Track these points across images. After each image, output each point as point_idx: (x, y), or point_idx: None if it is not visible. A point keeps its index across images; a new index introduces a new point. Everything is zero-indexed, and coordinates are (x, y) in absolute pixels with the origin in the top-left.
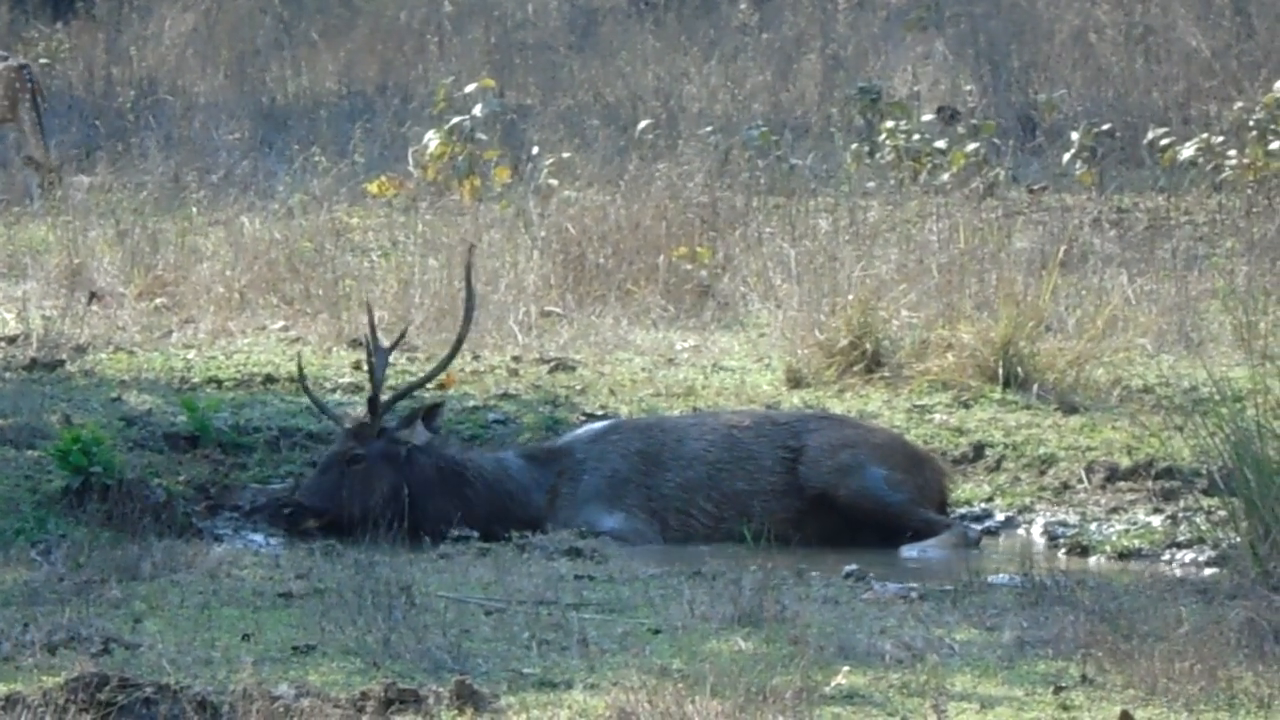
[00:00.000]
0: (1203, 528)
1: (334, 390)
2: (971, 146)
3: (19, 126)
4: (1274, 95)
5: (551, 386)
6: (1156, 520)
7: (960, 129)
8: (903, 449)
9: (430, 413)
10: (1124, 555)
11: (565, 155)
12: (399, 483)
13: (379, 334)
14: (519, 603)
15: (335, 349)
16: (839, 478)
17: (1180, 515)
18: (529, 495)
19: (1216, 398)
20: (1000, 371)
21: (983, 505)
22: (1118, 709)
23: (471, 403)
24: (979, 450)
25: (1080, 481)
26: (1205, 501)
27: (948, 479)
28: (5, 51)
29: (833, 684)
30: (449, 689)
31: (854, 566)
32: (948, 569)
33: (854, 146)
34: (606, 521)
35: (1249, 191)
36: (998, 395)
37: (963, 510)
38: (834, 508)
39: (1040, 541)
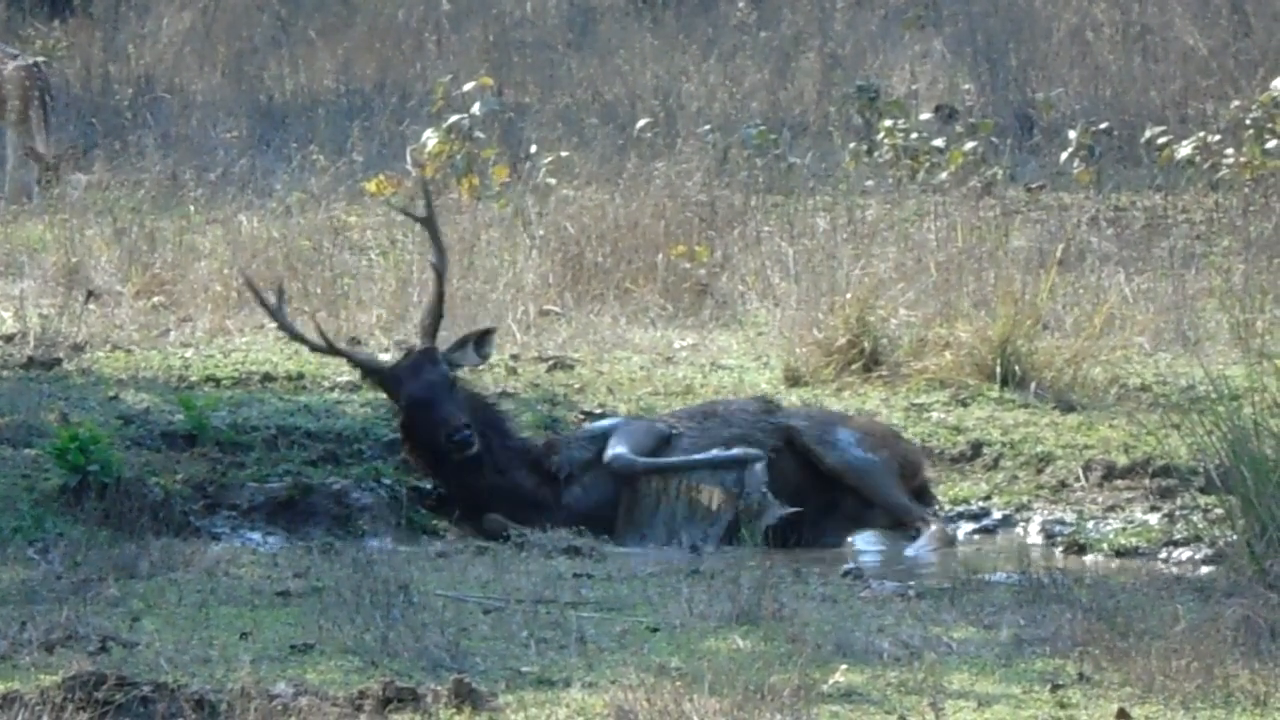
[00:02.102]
0: (1200, 526)
1: (332, 389)
2: (969, 145)
3: (27, 123)
4: (1271, 94)
5: (550, 385)
6: (1153, 518)
7: (958, 128)
8: (877, 423)
9: (482, 338)
10: (1121, 553)
11: (563, 154)
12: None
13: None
14: (517, 601)
15: None
16: (814, 429)
17: (1177, 513)
18: (524, 464)
19: (1213, 396)
20: (998, 370)
21: (980, 503)
22: (1115, 707)
23: None
24: (976, 448)
25: (1077, 480)
26: (1202, 499)
27: (924, 460)
28: (16, 50)
29: (830, 682)
30: (447, 687)
31: (852, 565)
32: (944, 567)
33: (852, 145)
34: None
35: (1246, 190)
36: (995, 394)
37: (960, 508)
38: (809, 459)
39: (1038, 540)
